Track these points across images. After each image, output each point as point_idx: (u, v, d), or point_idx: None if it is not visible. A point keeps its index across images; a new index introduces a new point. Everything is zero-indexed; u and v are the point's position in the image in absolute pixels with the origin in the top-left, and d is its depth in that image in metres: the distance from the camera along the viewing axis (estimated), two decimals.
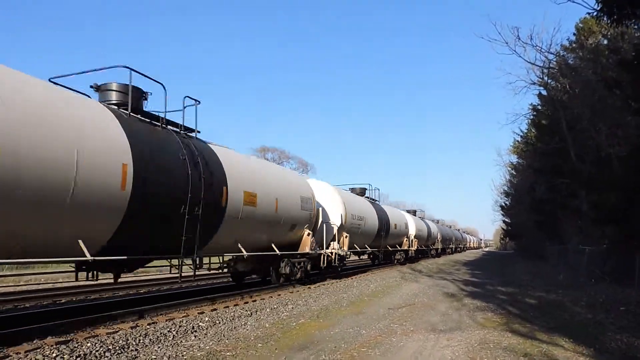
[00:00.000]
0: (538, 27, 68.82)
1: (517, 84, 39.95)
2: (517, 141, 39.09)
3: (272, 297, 11.86)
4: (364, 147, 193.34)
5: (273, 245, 12.86)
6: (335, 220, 17.54)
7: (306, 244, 14.89)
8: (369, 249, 22.16)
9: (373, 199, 24.39)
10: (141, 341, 6.55)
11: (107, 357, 5.77)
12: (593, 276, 16.74)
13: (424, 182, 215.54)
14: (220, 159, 10.56)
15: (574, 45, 22.22)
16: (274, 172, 14.01)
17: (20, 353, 5.62)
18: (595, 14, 11.79)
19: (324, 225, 16.22)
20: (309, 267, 14.93)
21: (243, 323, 8.35)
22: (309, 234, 14.94)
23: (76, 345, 6.05)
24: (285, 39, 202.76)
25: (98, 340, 6.35)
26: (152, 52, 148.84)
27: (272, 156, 65.01)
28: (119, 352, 6.01)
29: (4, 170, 5.72)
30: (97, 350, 5.89)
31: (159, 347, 6.43)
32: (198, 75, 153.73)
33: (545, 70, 22.51)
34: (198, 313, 8.97)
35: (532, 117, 29.46)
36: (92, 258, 7.07)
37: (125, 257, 8.18)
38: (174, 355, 6.00)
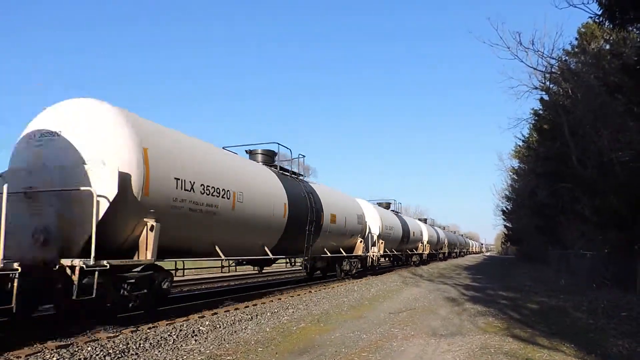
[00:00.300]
0: (540, 32, 69.06)
1: (519, 88, 39.95)
2: (519, 146, 39.02)
3: (272, 301, 11.84)
4: (366, 150, 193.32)
5: (341, 249, 18.33)
6: (375, 230, 23.14)
7: (359, 249, 20.21)
8: (395, 252, 26.24)
9: (396, 212, 29.96)
10: (141, 345, 6.55)
11: None
12: (595, 281, 16.68)
13: (426, 186, 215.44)
14: (318, 193, 15.83)
15: (576, 50, 22.23)
16: (342, 197, 19.42)
17: (20, 357, 5.62)
18: (597, 18, 11.81)
19: (370, 234, 21.03)
20: (359, 266, 19.85)
21: (244, 327, 8.34)
22: (360, 241, 20.28)
23: (76, 349, 6.05)
24: (289, 41, 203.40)
25: (98, 344, 6.35)
26: (152, 51, 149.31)
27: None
28: (119, 356, 6.00)
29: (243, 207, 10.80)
30: (97, 355, 5.88)
31: (159, 351, 6.43)
32: (202, 78, 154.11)
33: (547, 75, 22.49)
34: (199, 317, 8.96)
35: (533, 121, 29.42)
36: (274, 257, 12.99)
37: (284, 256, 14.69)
38: None
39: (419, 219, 40.21)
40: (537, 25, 61.51)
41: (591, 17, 12.21)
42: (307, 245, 14.44)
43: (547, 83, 23.05)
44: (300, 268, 20.75)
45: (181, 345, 6.80)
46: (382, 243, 22.54)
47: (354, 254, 19.38)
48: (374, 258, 21.81)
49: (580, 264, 20.46)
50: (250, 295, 12.94)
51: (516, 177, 47.14)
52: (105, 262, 7.04)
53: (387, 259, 27.98)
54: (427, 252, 34.82)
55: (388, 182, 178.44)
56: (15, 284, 5.99)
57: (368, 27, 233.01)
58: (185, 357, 6.16)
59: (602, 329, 8.86)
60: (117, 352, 6.11)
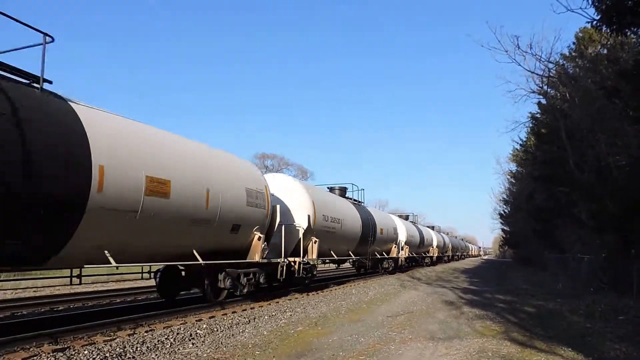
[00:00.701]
0: (538, 36, 69.30)
1: (516, 92, 40.01)
2: (517, 149, 39.09)
3: (270, 304, 11.83)
4: (364, 155, 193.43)
5: (384, 253, 24.34)
6: (402, 238, 26.56)
7: (393, 252, 24.36)
8: (353, 256, 20.00)
9: (414, 222, 30.22)
10: (138, 349, 6.53)
11: None
12: (592, 285, 16.71)
13: (424, 190, 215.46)
14: (373, 214, 22.49)
15: (573, 54, 22.30)
16: (384, 215, 27.51)
17: None
18: (594, 23, 11.86)
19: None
20: (261, 279, 11.79)
21: (241, 330, 8.33)
22: (394, 247, 24.26)
23: (73, 352, 6.03)
24: (287, 45, 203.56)
25: (95, 347, 6.33)
26: (151, 48, 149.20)
27: (272, 163, 65.13)
28: (116, 359, 5.98)
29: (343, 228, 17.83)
30: (93, 358, 5.87)
31: (156, 354, 6.41)
32: (200, 82, 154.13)
33: (544, 79, 22.55)
34: (196, 320, 8.94)
35: (531, 125, 29.50)
36: (355, 257, 20.41)
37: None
38: None
39: (399, 216, 39.82)
40: (535, 30, 61.85)
41: (589, 22, 12.25)
42: (369, 250, 21.19)
43: (545, 87, 23.11)
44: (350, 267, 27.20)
45: (178, 349, 6.78)
46: (407, 248, 28.50)
47: (390, 256, 25.53)
48: (402, 259, 27.89)
49: (577, 268, 20.50)
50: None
51: (514, 181, 47.22)
52: (305, 259, 14.43)
53: (407, 261, 31.14)
54: (436, 255, 41.16)
55: (387, 186, 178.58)
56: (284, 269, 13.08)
57: (366, 30, 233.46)
58: None
59: (599, 332, 8.87)
60: (114, 355, 6.09)
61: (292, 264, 13.70)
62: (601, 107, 17.04)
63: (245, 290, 11.00)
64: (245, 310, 10.58)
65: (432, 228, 45.61)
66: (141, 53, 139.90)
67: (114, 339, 6.98)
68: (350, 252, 19.24)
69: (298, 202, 14.66)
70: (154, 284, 11.72)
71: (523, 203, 37.47)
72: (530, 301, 14.06)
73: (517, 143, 36.00)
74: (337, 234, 17.08)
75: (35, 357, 5.75)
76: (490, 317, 10.67)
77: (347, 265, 25.84)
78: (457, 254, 63.34)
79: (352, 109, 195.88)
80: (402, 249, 27.59)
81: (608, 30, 11.40)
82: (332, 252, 17.13)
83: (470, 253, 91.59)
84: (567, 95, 21.06)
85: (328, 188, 20.68)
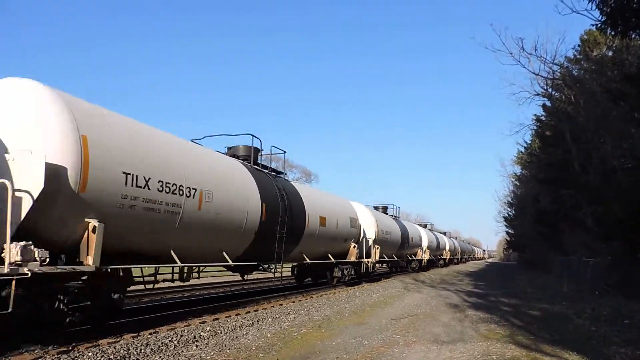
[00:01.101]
0: (542, 38, 69.07)
1: (521, 94, 39.98)
2: (521, 152, 39.06)
3: (274, 306, 11.82)
4: (368, 157, 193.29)
5: (330, 255, 17.34)
6: (370, 235, 22.34)
7: (352, 254, 19.20)
8: (395, 257, 26.04)
9: (395, 216, 29.46)
10: (142, 351, 6.54)
11: None
12: (597, 288, 16.60)
13: (428, 192, 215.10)
14: (301, 193, 14.79)
15: (578, 56, 22.26)
16: (332, 199, 18.40)
17: None
18: (599, 25, 11.82)
19: (364, 239, 20.25)
20: (353, 272, 18.94)
21: (245, 333, 8.32)
22: (354, 247, 19.43)
23: (77, 354, 6.04)
24: (290, 46, 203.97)
25: (99, 349, 6.34)
26: (150, 46, 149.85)
27: (275, 165, 64.97)
28: None
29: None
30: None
31: (159, 356, 6.42)
32: (203, 82, 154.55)
33: (549, 82, 22.54)
34: (200, 322, 8.94)
35: (536, 128, 29.46)
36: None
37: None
38: None
39: (419, 224, 42.61)
40: (540, 31, 61.80)
41: (594, 25, 12.21)
42: (405, 253, 24.73)
43: (549, 89, 23.10)
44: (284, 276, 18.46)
45: (182, 351, 6.79)
46: (377, 248, 21.50)
47: (346, 260, 18.44)
48: (369, 264, 20.63)
49: (582, 271, 20.37)
50: (241, 302, 12.76)
51: (518, 184, 47.11)
52: (26, 270, 5.64)
53: (384, 265, 27.65)
54: (426, 257, 34.27)
55: (390, 188, 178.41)
56: None
57: (371, 31, 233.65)
58: None
59: (604, 336, 8.81)
60: (118, 357, 6.10)
61: (367, 263, 19.43)
62: (606, 109, 16.98)
63: (347, 279, 17.99)
64: (249, 312, 10.57)
65: (445, 234, 52.03)
66: (140, 53, 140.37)
67: (118, 341, 6.99)
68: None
69: (368, 221, 20.57)
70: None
71: (528, 206, 37.34)
72: (535, 304, 13.99)
73: (522, 145, 36.08)
74: (388, 242, 22.57)
75: (40, 359, 5.76)
76: (494, 320, 10.62)
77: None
78: (465, 256, 66.53)
79: (354, 111, 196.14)
80: (424, 253, 32.98)
81: (613, 33, 11.35)
82: (173, 253, 8.93)
83: (474, 256, 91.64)
84: (572, 97, 21.02)
85: (374, 207, 25.08)
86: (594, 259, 18.82)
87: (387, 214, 27.59)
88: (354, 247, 18.89)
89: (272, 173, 13.98)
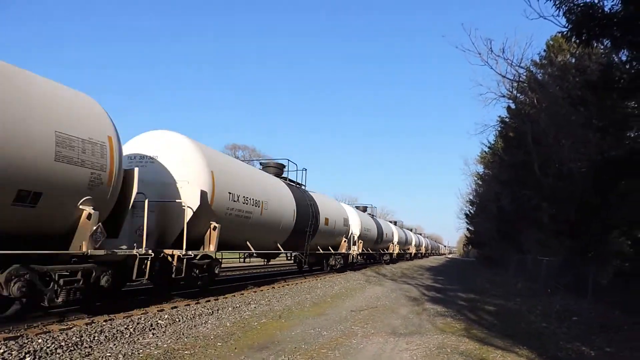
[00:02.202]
0: (510, 40, 70.66)
1: (487, 95, 40.86)
2: (485, 152, 40.01)
3: (234, 296, 11.75)
4: (334, 152, 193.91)
5: (330, 247, 21.24)
6: (356, 231, 24.59)
7: (343, 247, 22.66)
8: (371, 251, 26.01)
9: (372, 215, 29.47)
10: (96, 338, 6.37)
11: (58, 354, 5.59)
12: (549, 286, 17.26)
13: (392, 187, 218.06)
14: (316, 200, 18.98)
15: (543, 61, 22.88)
16: (332, 203, 22.49)
17: None
18: (565, 33, 12.16)
19: (351, 235, 22.54)
20: (342, 262, 22.05)
21: (204, 322, 8.24)
22: (345, 241, 22.63)
23: (26, 341, 5.83)
24: (262, 36, 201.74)
25: (50, 336, 6.14)
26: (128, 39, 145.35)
27: (243, 154, 64.61)
28: (72, 349, 5.82)
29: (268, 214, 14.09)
30: (48, 347, 5.69)
31: (114, 344, 6.27)
32: (170, 67, 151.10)
33: (515, 84, 23.06)
34: (157, 310, 8.79)
35: (500, 128, 30.18)
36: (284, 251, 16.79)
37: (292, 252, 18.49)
38: (130, 353, 5.86)
39: (390, 221, 44.23)
40: (509, 34, 63.01)
41: (560, 32, 12.56)
42: (309, 243, 18.11)
43: (515, 92, 23.65)
44: (290, 262, 22.86)
45: (138, 339, 6.65)
46: (361, 242, 25.69)
47: (339, 252, 22.44)
48: (354, 255, 24.89)
49: (536, 269, 21.13)
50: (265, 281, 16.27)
51: (480, 182, 48.31)
52: (190, 252, 10.04)
53: (363, 257, 30.03)
54: (396, 252, 38.53)
55: (355, 182, 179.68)
56: (149, 265, 8.85)
57: (341, 27, 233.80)
58: (141, 351, 6.03)
59: (554, 332, 9.18)
60: (70, 344, 5.92)
61: (353, 254, 15.64)
62: (566, 114, 17.56)
63: (338, 266, 21.83)
64: (209, 301, 10.47)
65: (395, 223, 44.83)
66: (118, 49, 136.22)
67: (71, 327, 6.79)
68: (279, 245, 15.54)
69: (188, 172, 10.47)
70: None
71: (488, 204, 38.37)
72: (490, 300, 14.43)
73: (486, 145, 36.89)
74: (255, 220, 13.16)
75: None
76: (451, 314, 10.90)
77: (283, 259, 21.95)
78: (421, 251, 62.75)
79: (322, 108, 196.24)
80: (354, 244, 24.73)
81: (577, 41, 11.70)
82: (249, 243, 13.27)
83: (435, 251, 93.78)
84: (535, 101, 21.61)
85: (261, 164, 18.20)
86: (548, 258, 19.55)
87: (366, 212, 29.79)
88: (345, 241, 23.08)
89: (300, 186, 19.11)
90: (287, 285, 15.23)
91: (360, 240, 25.36)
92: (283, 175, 17.80)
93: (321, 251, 20.21)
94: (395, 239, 38.05)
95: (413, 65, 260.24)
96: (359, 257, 26.62)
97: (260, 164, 17.48)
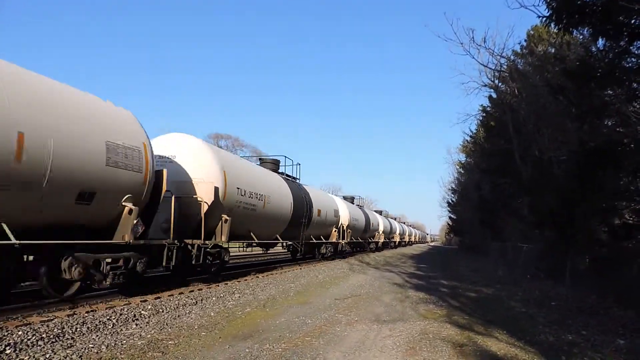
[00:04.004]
0: (492, 30, 71.24)
1: (469, 84, 41.29)
2: (467, 141, 40.43)
3: (218, 285, 11.73)
4: (319, 141, 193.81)
5: (322, 237, 22.58)
6: (345, 222, 25.67)
7: (333, 237, 24.10)
8: (360, 240, 25.84)
9: (360, 206, 29.40)
10: (78, 329, 6.31)
11: (40, 345, 5.52)
12: (529, 273, 17.64)
13: (376, 176, 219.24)
14: (309, 193, 20.46)
15: (524, 51, 23.13)
16: (324, 196, 24.08)
17: None
18: (544, 20, 12.29)
19: (341, 225, 21.87)
20: (332, 250, 23.09)
21: (187, 312, 8.22)
22: (335, 231, 23.87)
23: (6, 333, 5.75)
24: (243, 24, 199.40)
25: (30, 328, 6.07)
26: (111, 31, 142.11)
27: (226, 143, 64.18)
28: (54, 340, 5.76)
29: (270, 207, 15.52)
30: (29, 339, 5.62)
31: (97, 335, 6.22)
32: (150, 54, 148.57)
33: (496, 73, 23.30)
34: (141, 301, 8.74)
35: (481, 118, 30.52)
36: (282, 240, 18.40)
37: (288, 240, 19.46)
38: (113, 344, 5.82)
39: (375, 211, 45.18)
40: (490, 24, 63.57)
41: (540, 16, 12.67)
42: (303, 233, 19.18)
43: (496, 81, 23.90)
44: (285, 251, 25.11)
45: (121, 330, 6.61)
46: (349, 232, 27.18)
47: (329, 241, 23.96)
48: (344, 244, 26.62)
49: (516, 256, 21.57)
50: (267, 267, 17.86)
51: (462, 171, 48.88)
52: (208, 242, 11.59)
53: (351, 246, 30.70)
54: (382, 240, 40.80)
55: (339, 170, 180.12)
56: (175, 253, 10.18)
57: (323, 17, 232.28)
58: (124, 341, 6.00)
59: (532, 317, 9.40)
60: (52, 336, 5.86)
61: (342, 243, 16.29)
62: (546, 103, 17.81)
63: (329, 255, 17.81)
64: (192, 291, 10.44)
65: (380, 213, 47.48)
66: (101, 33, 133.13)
67: (52, 319, 6.71)
68: (277, 236, 16.93)
69: (203, 170, 11.85)
70: None
71: (470, 193, 38.89)
72: (472, 286, 14.68)
73: (467, 135, 37.32)
74: (258, 212, 14.55)
75: None
76: (433, 301, 11.06)
77: (279, 249, 24.43)
78: (405, 239, 64.84)
79: (305, 95, 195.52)
80: (344, 234, 25.93)
81: (556, 29, 11.84)
82: (252, 234, 14.65)
83: (418, 239, 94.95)
84: (516, 90, 21.88)
85: (259, 159, 19.27)
86: (527, 245, 19.95)
87: (353, 203, 30.24)
88: (335, 231, 24.46)
89: (295, 180, 20.17)
90: (272, 274, 15.27)
91: (349, 230, 26.86)
92: (280, 171, 18.96)
93: (314, 240, 21.72)
94: (381, 229, 40.20)
95: (397, 53, 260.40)
96: (347, 246, 28.04)
97: (259, 159, 19.05)
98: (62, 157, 7.08)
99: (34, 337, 5.70)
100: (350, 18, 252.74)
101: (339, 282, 14.46)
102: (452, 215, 63.54)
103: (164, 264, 9.97)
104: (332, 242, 24.06)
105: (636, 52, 10.75)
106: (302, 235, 19.25)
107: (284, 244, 20.38)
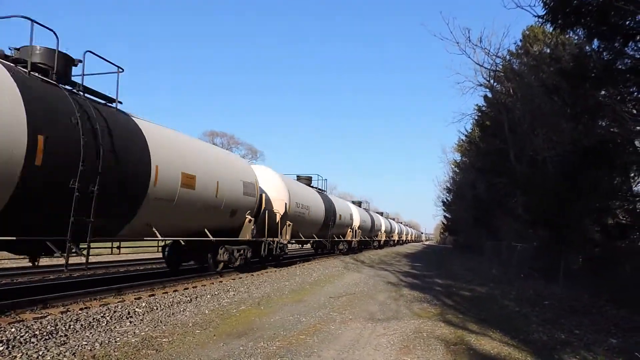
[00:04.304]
0: (488, 30, 71.32)
1: (465, 84, 41.37)
2: (462, 140, 40.48)
3: (213, 283, 11.71)
4: (316, 140, 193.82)
5: (340, 236, 27.14)
6: (356, 223, 29.62)
7: (348, 236, 28.35)
8: (317, 237, 23.21)
9: (320, 189, 25.75)
10: (72, 326, 6.28)
11: (32, 342, 5.49)
12: (523, 272, 17.71)
13: (372, 175, 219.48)
14: (333, 201, 25.31)
15: (519, 51, 23.18)
16: (343, 203, 29.14)
17: None
18: (540, 20, 12.33)
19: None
20: (249, 255, 14.42)
21: (182, 309, 8.20)
22: (350, 230, 28.21)
23: None
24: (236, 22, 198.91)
25: (24, 325, 6.04)
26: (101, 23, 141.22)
27: (221, 141, 64.06)
28: (47, 337, 5.73)
29: (311, 214, 21.68)
30: (22, 336, 5.59)
31: (90, 332, 6.20)
32: (142, 52, 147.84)
33: (492, 73, 23.33)
34: (135, 299, 8.71)
35: (477, 117, 30.55)
36: (318, 239, 24.63)
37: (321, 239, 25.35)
38: (107, 341, 5.80)
39: (352, 202, 45.53)
40: (486, 24, 63.72)
41: (536, 16, 12.70)
42: (330, 233, 24.16)
43: (492, 81, 23.95)
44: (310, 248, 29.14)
45: (115, 327, 6.59)
46: (360, 232, 31.64)
47: (346, 239, 28.95)
48: (355, 242, 31.59)
49: (511, 255, 21.64)
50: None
51: (457, 170, 48.95)
52: (281, 240, 17.20)
53: (359, 244, 34.60)
54: (383, 239, 46.00)
55: (336, 170, 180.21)
56: (266, 247, 16.19)
57: (319, 16, 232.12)
58: (118, 339, 5.98)
59: (526, 316, 9.45)
60: (45, 333, 5.83)
61: (272, 243, 16.40)
62: (541, 103, 17.87)
63: (237, 263, 13.93)
64: (187, 289, 10.42)
65: (382, 214, 52.14)
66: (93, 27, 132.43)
67: (45, 316, 6.68)
68: (314, 235, 22.49)
69: (277, 191, 17.29)
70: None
71: (465, 192, 38.97)
72: (466, 285, 14.74)
73: (463, 134, 37.33)
74: (305, 219, 20.10)
75: None
76: (427, 299, 11.10)
77: (307, 246, 28.82)
78: (402, 238, 67.17)
79: (300, 94, 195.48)
80: (355, 233, 30.98)
81: (552, 28, 11.89)
82: (300, 234, 20.01)
83: (413, 238, 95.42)
84: (512, 90, 21.93)
85: (297, 177, 23.28)
86: (521, 245, 20.02)
87: (311, 186, 23.73)
88: (350, 231, 28.51)
89: (323, 191, 25.10)
90: (267, 272, 15.28)
91: (359, 230, 31.45)
92: (312, 185, 23.89)
93: (335, 239, 26.84)
94: (383, 228, 45.51)
95: (392, 53, 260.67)
96: (357, 244, 32.70)
97: (297, 177, 23.12)
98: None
99: (27, 334, 5.67)
100: (349, 18, 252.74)
101: (333, 280, 14.47)
102: (446, 215, 63.70)
103: (261, 253, 15.56)
104: (347, 240, 29.50)
105: (630, 52, 10.80)
106: (329, 235, 24.67)
107: (313, 242, 25.13)
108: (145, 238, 10.24)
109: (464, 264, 27.10)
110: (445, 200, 60.22)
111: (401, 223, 74.61)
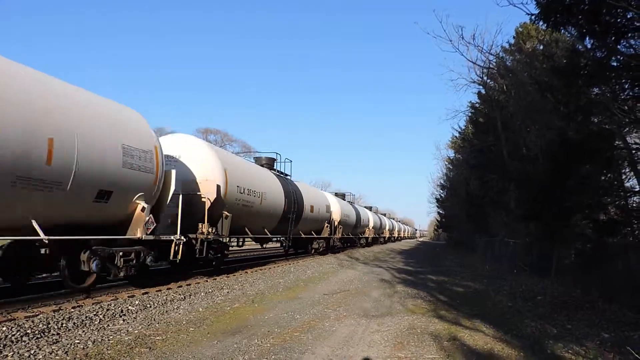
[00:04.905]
0: (481, 28, 71.52)
1: (458, 81, 41.51)
2: (455, 137, 40.57)
3: (207, 281, 11.69)
4: (308, 135, 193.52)
5: (313, 232, 22.82)
6: (336, 217, 25.92)
7: (325, 232, 23.99)
8: (351, 235, 23.31)
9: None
10: (64, 325, 6.25)
11: (24, 341, 5.46)
12: (515, 267, 17.81)
13: (366, 173, 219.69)
14: (300, 189, 20.48)
15: (512, 48, 23.26)
16: (316, 192, 24.66)
17: None
18: (533, 18, 12.36)
19: (332, 221, 17.42)
20: (324, 245, 16.76)
21: (176, 307, 8.18)
22: (327, 226, 23.74)
23: None
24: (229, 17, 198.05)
25: (15, 323, 5.99)
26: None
27: (215, 138, 63.82)
28: (39, 336, 5.70)
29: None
30: (13, 335, 5.55)
31: (83, 331, 6.17)
32: (138, 48, 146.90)
33: (485, 70, 23.43)
34: (128, 296, 8.68)
35: (470, 114, 30.64)
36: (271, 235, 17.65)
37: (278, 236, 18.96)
38: (100, 340, 5.77)
39: (365, 207, 46.37)
40: (479, 21, 63.78)
41: (528, 13, 12.74)
42: (293, 229, 18.96)
43: (485, 78, 24.03)
44: (278, 246, 23.99)
45: (108, 325, 6.56)
46: (340, 228, 27.54)
47: (322, 236, 24.06)
48: (335, 239, 26.89)
49: (503, 251, 21.75)
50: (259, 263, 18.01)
51: (451, 167, 49.09)
52: (210, 237, 11.96)
53: (342, 241, 30.85)
54: (372, 236, 41.90)
55: (328, 166, 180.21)
56: (181, 247, 10.54)
57: (315, 13, 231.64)
58: (111, 337, 5.95)
59: (519, 311, 9.50)
60: (37, 332, 5.79)
61: (194, 241, 11.64)
62: (534, 100, 17.95)
63: (321, 249, 14.36)
64: (180, 286, 10.39)
65: (370, 209, 48.15)
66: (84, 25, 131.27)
67: (37, 315, 6.63)
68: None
69: (206, 170, 12.37)
70: None
71: (459, 188, 39.10)
72: (459, 281, 14.81)
73: (456, 131, 37.44)
74: (254, 209, 14.98)
75: None
76: (421, 296, 11.14)
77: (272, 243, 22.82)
78: (394, 235, 65.65)
79: (296, 91, 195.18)
80: (335, 229, 26.40)
81: (544, 26, 11.92)
82: (247, 229, 15.15)
83: (407, 235, 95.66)
84: (505, 87, 22.02)
85: (254, 158, 19.68)
86: (514, 240, 20.13)
87: (273, 169, 21.25)
88: (327, 226, 24.27)
89: (286, 176, 20.18)
90: (261, 269, 15.24)
91: (340, 226, 27.48)
92: (275, 168, 19.70)
93: (303, 236, 21.29)
94: (371, 224, 41.08)
95: (387, 50, 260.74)
96: (338, 242, 28.29)
97: (254, 158, 19.62)
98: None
99: (18, 333, 5.63)
100: (342, 15, 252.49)
101: (328, 277, 14.49)
102: (440, 211, 63.88)
103: (170, 257, 10.48)
104: (324, 237, 24.42)
105: (623, 50, 10.86)
106: (290, 231, 19.02)
107: (274, 239, 19.65)
108: None
109: (458, 260, 27.23)
110: (439, 197, 60.44)
111: (394, 219, 74.60)
